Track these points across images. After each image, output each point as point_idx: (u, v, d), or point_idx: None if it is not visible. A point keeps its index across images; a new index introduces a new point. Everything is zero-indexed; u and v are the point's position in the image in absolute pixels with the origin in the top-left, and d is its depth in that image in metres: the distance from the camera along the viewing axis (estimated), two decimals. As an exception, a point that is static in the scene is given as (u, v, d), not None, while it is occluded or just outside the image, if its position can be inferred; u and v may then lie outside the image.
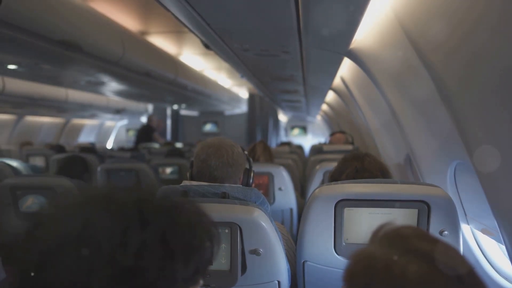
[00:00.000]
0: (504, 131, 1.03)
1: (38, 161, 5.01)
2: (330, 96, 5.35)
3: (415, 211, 1.22)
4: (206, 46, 2.87)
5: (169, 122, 10.54)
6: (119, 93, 6.37)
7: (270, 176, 2.32)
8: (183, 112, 10.94)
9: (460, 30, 1.13)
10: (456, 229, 1.21)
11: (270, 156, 2.72)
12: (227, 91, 8.70)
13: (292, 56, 2.64)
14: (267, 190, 2.33)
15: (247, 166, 1.51)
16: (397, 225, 0.64)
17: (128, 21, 4.18)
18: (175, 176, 3.65)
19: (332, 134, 4.10)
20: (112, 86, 5.18)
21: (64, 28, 2.69)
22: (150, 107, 10.16)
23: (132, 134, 10.62)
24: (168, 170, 3.69)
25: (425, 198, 1.21)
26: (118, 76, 4.42)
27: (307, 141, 10.86)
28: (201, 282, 0.65)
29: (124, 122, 11.17)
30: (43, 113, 7.48)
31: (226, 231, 1.18)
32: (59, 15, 2.61)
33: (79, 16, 2.92)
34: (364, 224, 1.25)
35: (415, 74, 1.65)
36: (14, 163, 3.36)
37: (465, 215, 1.75)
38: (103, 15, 3.48)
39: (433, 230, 1.21)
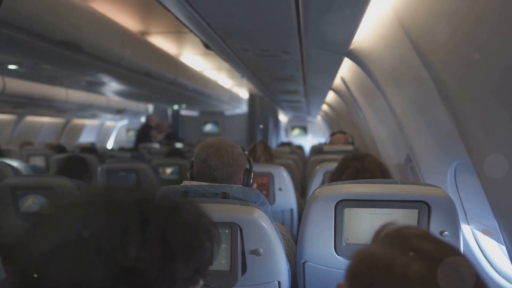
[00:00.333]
0: (504, 131, 1.03)
1: (39, 161, 5.01)
2: (331, 96, 5.35)
3: (415, 211, 1.22)
4: (206, 46, 2.87)
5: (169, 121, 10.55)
6: (120, 93, 6.38)
7: (271, 176, 2.33)
8: (184, 112, 10.95)
9: (460, 30, 1.13)
10: (456, 230, 1.21)
11: (270, 156, 2.72)
12: (227, 91, 8.70)
13: (293, 56, 2.64)
14: (267, 190, 2.33)
15: (247, 166, 1.51)
16: (399, 225, 0.64)
17: (128, 21, 4.18)
18: (175, 176, 3.65)
19: (332, 135, 4.10)
20: (112, 86, 5.18)
21: (65, 28, 2.70)
22: (150, 107, 10.16)
23: (132, 134, 10.62)
24: (168, 170, 3.69)
25: (425, 199, 1.21)
26: (118, 76, 4.42)
27: (307, 142, 10.85)
28: (201, 282, 0.65)
29: (124, 122, 11.17)
30: (44, 113, 7.48)
31: (226, 231, 1.18)
32: (60, 15, 2.61)
33: (80, 16, 2.92)
34: (364, 224, 1.25)
35: (415, 74, 1.65)
36: (14, 163, 3.36)
37: (466, 215, 1.75)
38: (103, 15, 3.48)
39: (433, 231, 1.21)
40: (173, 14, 1.99)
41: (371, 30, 1.87)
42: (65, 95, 6.04)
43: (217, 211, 1.18)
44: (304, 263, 1.29)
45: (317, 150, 3.36)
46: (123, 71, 4.01)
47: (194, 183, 1.38)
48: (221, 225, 1.17)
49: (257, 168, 2.20)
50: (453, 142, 1.53)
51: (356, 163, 1.55)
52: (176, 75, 5.08)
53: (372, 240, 0.65)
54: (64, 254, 0.55)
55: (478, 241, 1.71)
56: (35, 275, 0.55)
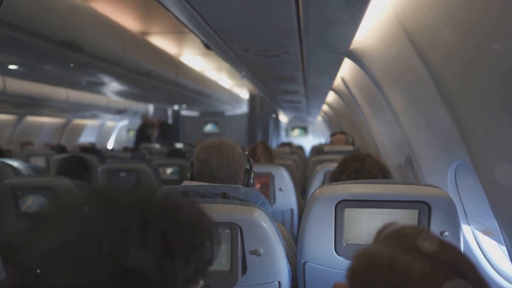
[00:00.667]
0: (504, 131, 1.03)
1: (39, 161, 5.01)
2: (331, 96, 5.35)
3: (416, 211, 1.22)
4: (207, 47, 2.87)
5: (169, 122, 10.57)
6: (120, 93, 6.38)
7: (271, 177, 2.33)
8: (184, 112, 10.95)
9: (460, 30, 1.13)
10: (456, 230, 1.20)
11: (270, 157, 2.72)
12: (228, 91, 8.70)
13: (293, 57, 2.64)
14: (267, 190, 2.33)
15: (248, 167, 1.51)
16: (400, 225, 0.64)
17: (128, 21, 4.18)
18: (175, 177, 3.65)
19: (332, 135, 4.11)
20: (112, 86, 5.19)
21: (65, 29, 2.70)
22: (150, 108, 10.17)
23: (132, 135, 10.63)
24: (169, 170, 3.69)
25: (426, 199, 1.21)
26: (118, 76, 4.43)
27: (308, 142, 10.86)
28: (202, 282, 0.65)
29: (124, 122, 11.17)
30: (44, 113, 7.49)
31: (227, 231, 1.18)
32: (60, 15, 2.61)
33: (80, 17, 2.92)
34: (364, 224, 1.25)
35: (415, 74, 1.65)
36: (14, 163, 3.36)
37: (466, 215, 1.75)
38: (103, 15, 3.48)
39: (434, 231, 1.20)
40: (173, 14, 1.99)
41: (371, 30, 1.87)
42: (66, 95, 6.04)
43: (217, 211, 1.18)
44: (304, 263, 1.29)
45: (317, 150, 3.36)
46: (124, 71, 4.01)
47: (194, 183, 1.38)
48: (221, 225, 1.17)
49: (258, 168, 2.20)
50: (453, 142, 1.53)
51: (357, 163, 1.55)
52: (176, 75, 5.08)
53: (373, 240, 0.65)
54: (64, 254, 0.55)
55: (478, 241, 1.71)
56: (35, 275, 0.55)
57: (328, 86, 4.17)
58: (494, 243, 1.64)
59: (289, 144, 6.16)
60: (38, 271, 0.55)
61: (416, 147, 1.95)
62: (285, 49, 2.45)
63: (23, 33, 2.41)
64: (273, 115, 10.27)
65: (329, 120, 8.18)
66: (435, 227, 1.20)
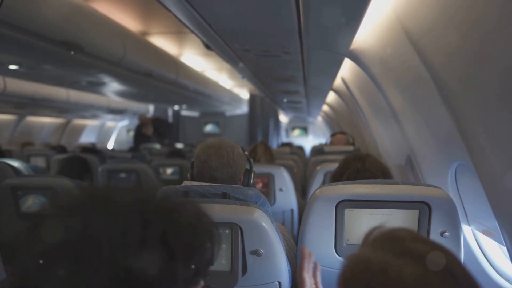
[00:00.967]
0: (504, 131, 1.03)
1: (39, 162, 5.01)
2: (331, 97, 5.35)
3: (416, 212, 1.22)
4: (207, 47, 2.87)
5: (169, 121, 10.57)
6: (120, 94, 6.38)
7: (271, 177, 2.32)
8: (184, 112, 10.95)
9: (460, 31, 1.13)
10: (457, 230, 1.20)
11: (271, 157, 2.72)
12: (228, 91, 8.70)
13: (293, 57, 2.64)
14: (268, 190, 2.33)
15: (248, 167, 1.50)
16: (389, 228, 0.64)
17: (129, 21, 4.18)
18: (176, 177, 3.65)
19: (333, 135, 4.11)
20: (113, 86, 5.19)
21: (66, 29, 2.70)
22: (151, 108, 10.17)
23: (132, 135, 10.64)
24: (169, 170, 3.69)
25: (426, 199, 1.21)
26: (119, 77, 4.43)
27: (308, 142, 10.86)
28: (202, 283, 0.65)
29: (125, 122, 11.18)
30: (44, 114, 7.49)
31: (227, 231, 1.18)
32: (60, 15, 2.62)
33: (80, 17, 2.92)
34: (365, 225, 1.25)
35: (416, 74, 1.65)
36: (15, 163, 3.36)
37: (466, 216, 1.74)
38: (104, 15, 3.48)
39: (434, 231, 1.21)
40: (174, 15, 1.99)
41: (371, 30, 1.87)
42: (66, 95, 6.05)
43: (218, 211, 1.18)
44: (304, 263, 1.29)
45: (317, 150, 3.36)
46: (124, 71, 4.01)
47: (195, 183, 1.38)
48: (221, 226, 1.17)
49: (258, 168, 2.20)
50: (454, 142, 1.53)
51: (357, 163, 1.56)
52: (176, 75, 5.09)
53: (362, 243, 0.65)
54: (64, 255, 0.55)
55: (478, 241, 1.71)
56: (35, 275, 0.55)
57: (329, 86, 4.17)
58: (494, 243, 1.64)
59: (289, 145, 6.16)
60: (36, 273, 0.54)
61: (417, 147, 1.95)
62: (286, 49, 2.45)
63: (24, 33, 2.41)
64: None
65: (329, 121, 8.17)
66: (435, 227, 1.20)
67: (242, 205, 1.20)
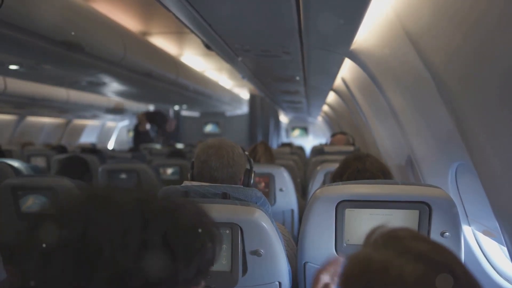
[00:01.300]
0: (504, 131, 1.03)
1: (40, 162, 5.01)
2: (331, 97, 5.35)
3: (416, 212, 1.22)
4: (207, 47, 2.87)
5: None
6: (120, 94, 6.38)
7: (271, 177, 2.32)
8: (184, 113, 10.95)
9: (461, 31, 1.13)
10: (457, 231, 1.20)
11: (271, 157, 2.72)
12: (228, 91, 8.70)
13: (293, 57, 2.64)
14: (268, 191, 2.33)
15: (248, 167, 1.50)
16: (391, 227, 0.64)
17: (129, 21, 4.18)
18: (176, 177, 3.65)
19: (333, 135, 4.10)
20: (113, 86, 5.19)
21: (66, 29, 2.70)
22: (151, 108, 10.17)
23: (132, 135, 10.64)
24: (169, 170, 3.69)
25: (426, 199, 1.21)
26: (119, 77, 4.43)
27: (308, 142, 10.85)
28: (203, 283, 0.65)
29: (125, 122, 11.18)
30: (45, 114, 7.49)
31: (227, 231, 1.18)
32: (61, 15, 2.62)
33: (81, 17, 2.92)
34: (365, 225, 1.25)
35: (416, 74, 1.65)
36: (15, 163, 3.36)
37: (466, 216, 1.74)
38: (104, 15, 3.49)
39: (434, 231, 1.20)
40: (174, 15, 1.99)
41: (371, 30, 1.87)
42: (66, 95, 6.05)
43: (218, 211, 1.18)
44: (304, 264, 1.29)
45: (318, 150, 3.36)
46: (124, 71, 4.01)
47: (195, 183, 1.38)
48: (221, 226, 1.17)
49: (258, 168, 2.20)
50: (454, 142, 1.53)
51: (357, 163, 1.56)
52: (177, 75, 5.08)
53: (364, 243, 0.65)
54: (64, 255, 0.55)
55: (479, 242, 1.71)
56: (36, 276, 0.55)
57: (329, 86, 4.17)
58: (494, 243, 1.64)
59: (289, 145, 6.15)
60: (36, 274, 0.54)
61: (417, 147, 1.95)
62: (286, 49, 2.45)
63: (24, 33, 2.41)
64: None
65: (330, 121, 8.17)
66: (436, 227, 1.20)
67: (242, 205, 1.20)
